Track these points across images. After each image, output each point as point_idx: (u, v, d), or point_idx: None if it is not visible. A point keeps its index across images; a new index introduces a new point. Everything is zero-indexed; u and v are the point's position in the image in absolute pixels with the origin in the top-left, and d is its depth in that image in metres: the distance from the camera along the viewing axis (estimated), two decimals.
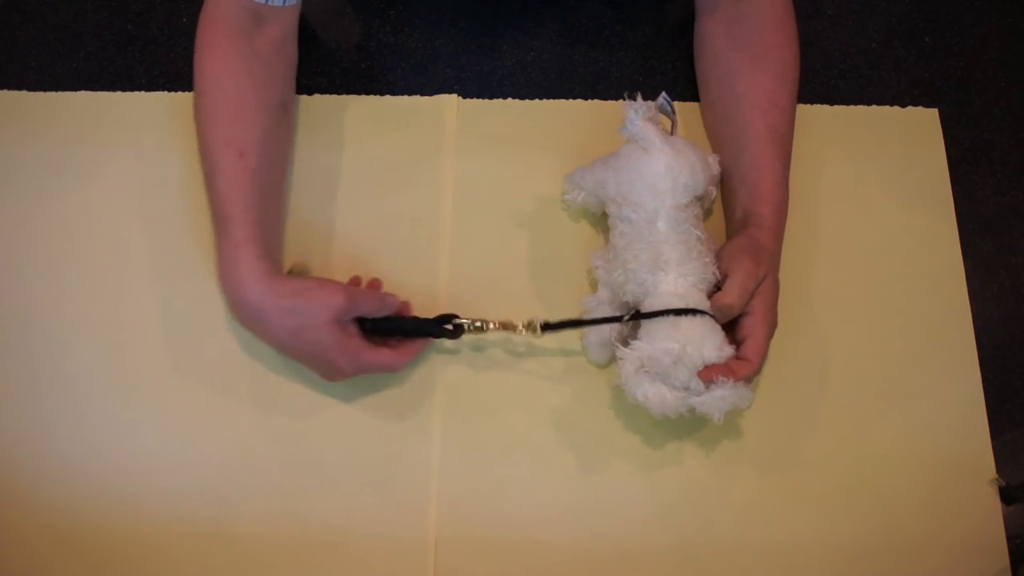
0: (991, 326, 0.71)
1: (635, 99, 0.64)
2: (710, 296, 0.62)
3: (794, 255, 0.72)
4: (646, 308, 0.62)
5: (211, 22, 0.68)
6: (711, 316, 0.61)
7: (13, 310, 0.70)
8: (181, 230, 0.72)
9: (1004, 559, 0.64)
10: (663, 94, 0.66)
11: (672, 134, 0.68)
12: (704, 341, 0.60)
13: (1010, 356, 0.71)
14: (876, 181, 0.75)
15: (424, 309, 0.70)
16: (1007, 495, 0.66)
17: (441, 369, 0.68)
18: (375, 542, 0.64)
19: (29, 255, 0.72)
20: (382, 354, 0.64)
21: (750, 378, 0.60)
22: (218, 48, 0.67)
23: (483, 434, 0.67)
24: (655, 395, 0.59)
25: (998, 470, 0.67)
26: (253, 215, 0.64)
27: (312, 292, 0.62)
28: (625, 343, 0.62)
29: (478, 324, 0.66)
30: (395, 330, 0.66)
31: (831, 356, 0.69)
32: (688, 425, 0.67)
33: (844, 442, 0.67)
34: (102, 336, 0.69)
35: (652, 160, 0.64)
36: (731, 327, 0.63)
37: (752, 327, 0.61)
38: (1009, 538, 0.65)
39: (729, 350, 0.60)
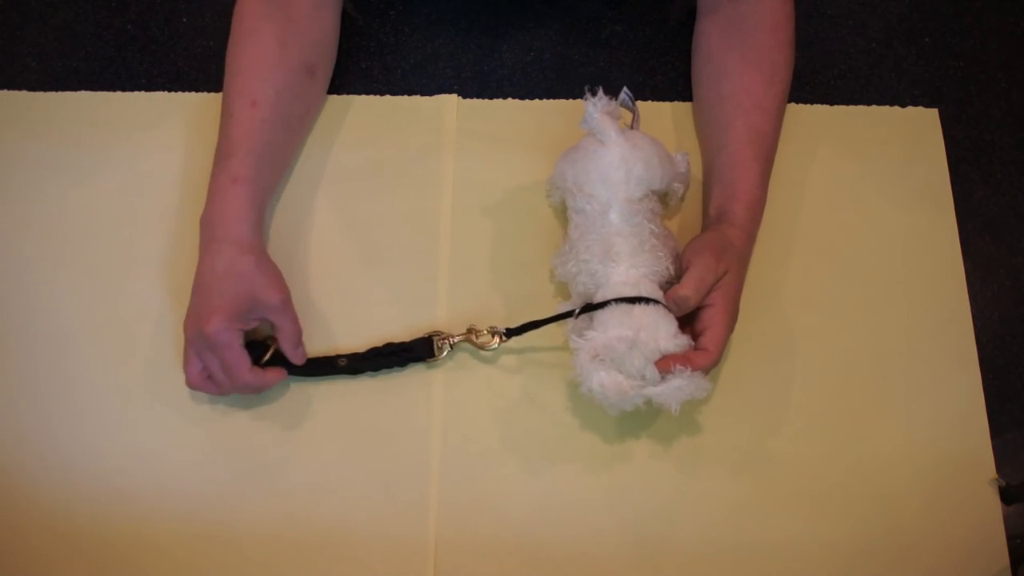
0: (991, 326, 0.71)
1: (595, 93, 0.65)
2: (665, 290, 0.62)
3: (793, 255, 0.72)
4: (598, 299, 0.62)
5: None
6: (664, 305, 0.61)
7: (13, 310, 0.70)
8: (181, 230, 0.72)
9: (1004, 559, 0.64)
10: (624, 89, 0.67)
11: (633, 128, 0.68)
12: (658, 328, 0.60)
13: (1010, 356, 0.70)
14: (876, 181, 0.75)
15: (424, 310, 0.70)
16: (1007, 495, 0.65)
17: (441, 369, 0.68)
18: (375, 542, 0.64)
19: (29, 255, 0.72)
20: (240, 364, 0.63)
21: (708, 369, 0.60)
22: (249, 7, 0.70)
23: (483, 434, 0.67)
24: (611, 383, 0.59)
25: (998, 470, 0.66)
26: (254, 159, 0.66)
27: (272, 269, 0.65)
28: (579, 336, 0.61)
29: (448, 344, 0.67)
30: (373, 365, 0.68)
31: (830, 355, 0.69)
32: (682, 427, 0.67)
33: (843, 442, 0.67)
34: (102, 336, 0.69)
35: (607, 152, 0.64)
36: (691, 321, 0.63)
37: (712, 319, 0.61)
38: (1009, 538, 0.65)
39: (684, 339, 0.60)
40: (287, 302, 0.65)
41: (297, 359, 0.65)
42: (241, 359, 0.63)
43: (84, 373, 0.68)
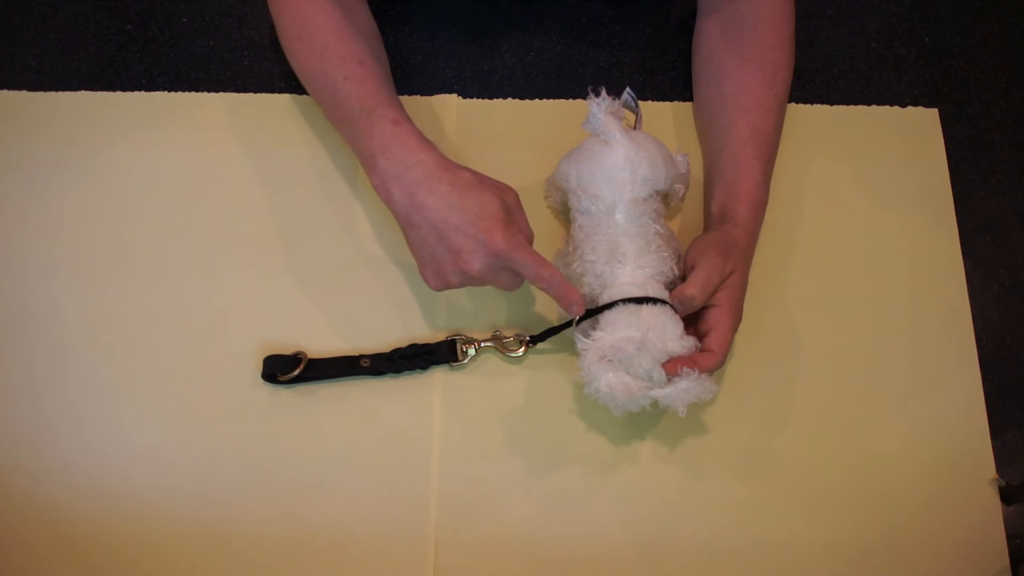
0: (991, 326, 0.71)
1: (599, 94, 0.65)
2: (670, 290, 0.62)
3: (794, 255, 0.72)
4: (604, 300, 0.62)
5: None
6: (671, 306, 0.61)
7: (12, 310, 0.70)
8: (180, 230, 0.72)
9: (1004, 559, 0.64)
10: (627, 90, 0.67)
11: (636, 129, 0.68)
12: (666, 329, 0.60)
13: (1010, 356, 0.71)
14: (876, 181, 0.75)
15: (424, 310, 0.70)
16: (1007, 495, 0.66)
17: (441, 369, 0.68)
18: (375, 542, 0.64)
19: (28, 255, 0.72)
20: (535, 256, 0.59)
21: (713, 370, 0.60)
22: None
23: (484, 433, 0.67)
24: (619, 384, 0.58)
25: (998, 470, 0.67)
26: (395, 103, 0.64)
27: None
28: (586, 336, 0.61)
29: (473, 348, 0.67)
30: (398, 366, 0.67)
31: (831, 355, 0.69)
32: (686, 427, 0.67)
33: (843, 442, 0.67)
34: (101, 336, 0.69)
35: (611, 152, 0.64)
36: (695, 321, 0.63)
37: (717, 319, 0.61)
38: (1009, 538, 0.65)
39: (690, 341, 0.60)
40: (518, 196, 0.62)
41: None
42: (538, 257, 0.59)
43: (84, 373, 0.68)
